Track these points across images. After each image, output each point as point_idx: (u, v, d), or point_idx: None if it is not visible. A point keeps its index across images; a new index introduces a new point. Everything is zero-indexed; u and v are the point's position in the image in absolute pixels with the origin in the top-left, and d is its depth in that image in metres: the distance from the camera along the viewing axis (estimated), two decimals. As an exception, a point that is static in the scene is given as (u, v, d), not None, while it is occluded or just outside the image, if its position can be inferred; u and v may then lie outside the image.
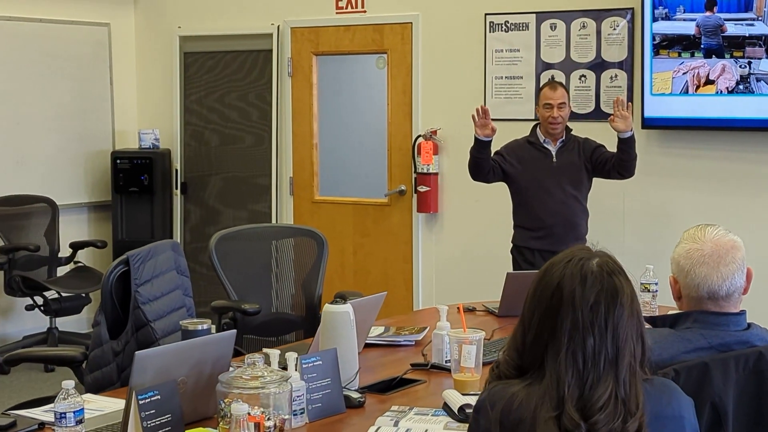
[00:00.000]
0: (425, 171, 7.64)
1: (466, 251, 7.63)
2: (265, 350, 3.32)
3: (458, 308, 4.01)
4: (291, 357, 3.28)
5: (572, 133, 6.24)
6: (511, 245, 6.33)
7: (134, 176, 8.76)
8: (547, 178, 6.12)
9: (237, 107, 8.69)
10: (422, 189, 7.66)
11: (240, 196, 8.73)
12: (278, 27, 8.34)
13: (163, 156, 8.84)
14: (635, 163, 6.06)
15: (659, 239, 6.67)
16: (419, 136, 7.71)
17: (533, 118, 6.45)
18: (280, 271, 5.55)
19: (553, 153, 6.15)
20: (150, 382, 3.06)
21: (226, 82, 8.73)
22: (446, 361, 3.89)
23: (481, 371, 3.58)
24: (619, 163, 6.04)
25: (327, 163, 8.39)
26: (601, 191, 6.52)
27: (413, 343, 4.38)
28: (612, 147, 6.13)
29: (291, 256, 5.60)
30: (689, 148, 6.80)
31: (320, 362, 3.38)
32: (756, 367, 2.94)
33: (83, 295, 8.16)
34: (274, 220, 8.36)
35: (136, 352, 3.09)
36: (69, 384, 2.95)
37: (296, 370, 3.29)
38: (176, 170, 8.89)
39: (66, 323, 8.29)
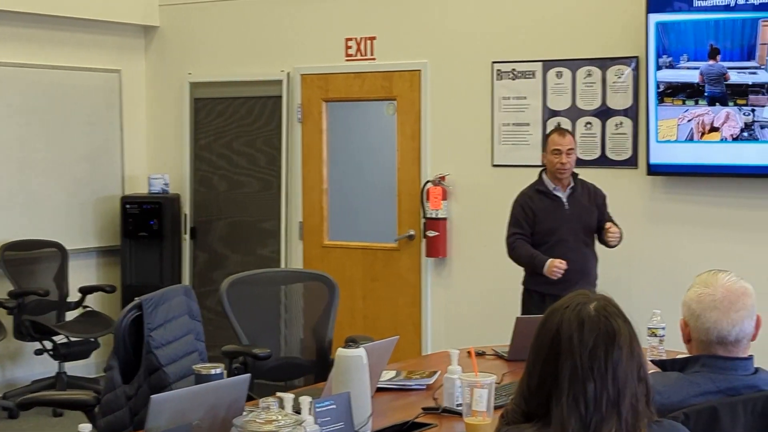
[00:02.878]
0: (434, 216, 7.69)
1: (474, 296, 7.66)
2: (279, 394, 3.35)
3: (469, 352, 4.04)
4: (305, 401, 3.32)
5: (579, 177, 6.30)
6: (522, 288, 6.36)
7: (143, 221, 8.81)
8: (561, 226, 6.18)
9: (246, 153, 8.75)
10: (431, 234, 7.71)
11: (247, 241, 8.77)
12: (288, 74, 8.42)
13: (173, 201, 8.89)
14: None
15: (665, 285, 6.69)
16: (428, 181, 7.77)
17: (539, 164, 6.50)
18: (290, 316, 5.54)
19: (565, 200, 6.21)
20: (165, 425, 3.08)
21: (236, 127, 8.79)
22: (457, 405, 3.91)
23: (492, 415, 3.59)
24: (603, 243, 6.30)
25: (336, 208, 8.44)
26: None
27: (424, 387, 4.39)
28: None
29: (301, 301, 5.59)
30: (694, 194, 6.85)
31: (334, 406, 3.41)
32: (764, 411, 2.98)
33: (92, 339, 8.17)
34: (282, 265, 8.38)
35: (152, 396, 3.12)
36: (86, 428, 2.98)
37: (310, 414, 3.32)
38: (185, 215, 8.94)
39: (75, 368, 8.31)
